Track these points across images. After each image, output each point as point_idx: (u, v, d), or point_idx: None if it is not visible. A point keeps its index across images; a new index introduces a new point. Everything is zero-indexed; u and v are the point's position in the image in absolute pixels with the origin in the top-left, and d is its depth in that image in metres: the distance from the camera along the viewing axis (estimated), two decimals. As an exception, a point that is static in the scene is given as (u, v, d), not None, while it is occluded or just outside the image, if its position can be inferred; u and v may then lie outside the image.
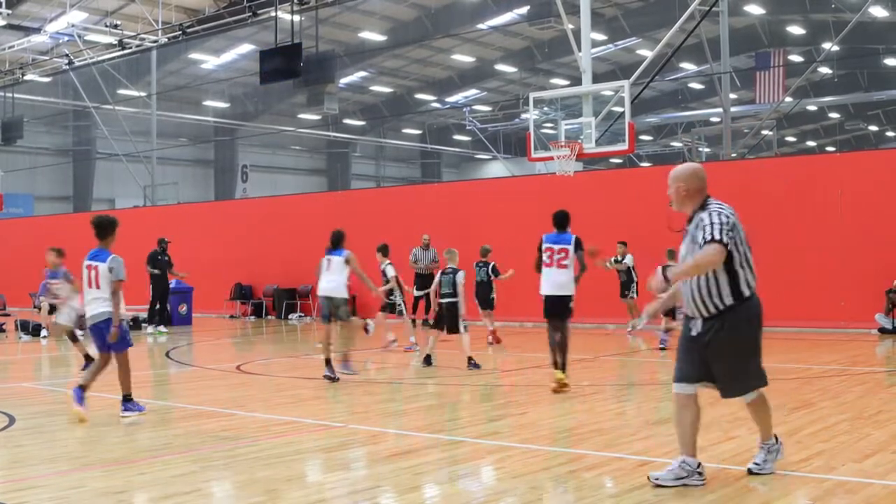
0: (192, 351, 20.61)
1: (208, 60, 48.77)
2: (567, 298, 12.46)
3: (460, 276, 15.23)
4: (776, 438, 7.49)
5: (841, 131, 59.70)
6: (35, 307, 25.16)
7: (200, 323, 27.60)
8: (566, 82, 46.32)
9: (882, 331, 20.57)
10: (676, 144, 58.58)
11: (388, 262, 18.71)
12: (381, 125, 60.61)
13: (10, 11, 36.00)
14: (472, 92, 56.92)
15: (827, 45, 37.68)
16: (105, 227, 10.75)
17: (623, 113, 21.36)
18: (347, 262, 14.20)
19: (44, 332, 23.42)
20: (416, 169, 67.93)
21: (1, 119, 38.76)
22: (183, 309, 27.24)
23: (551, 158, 22.33)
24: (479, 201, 26.74)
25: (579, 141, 21.62)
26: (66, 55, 40.21)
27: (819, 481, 7.31)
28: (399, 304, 19.07)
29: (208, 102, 52.91)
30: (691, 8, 23.03)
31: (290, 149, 60.30)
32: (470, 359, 14.82)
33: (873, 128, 60.11)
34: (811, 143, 64.35)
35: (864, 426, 9.52)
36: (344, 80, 48.92)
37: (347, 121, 57.34)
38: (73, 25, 38.59)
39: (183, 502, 7.04)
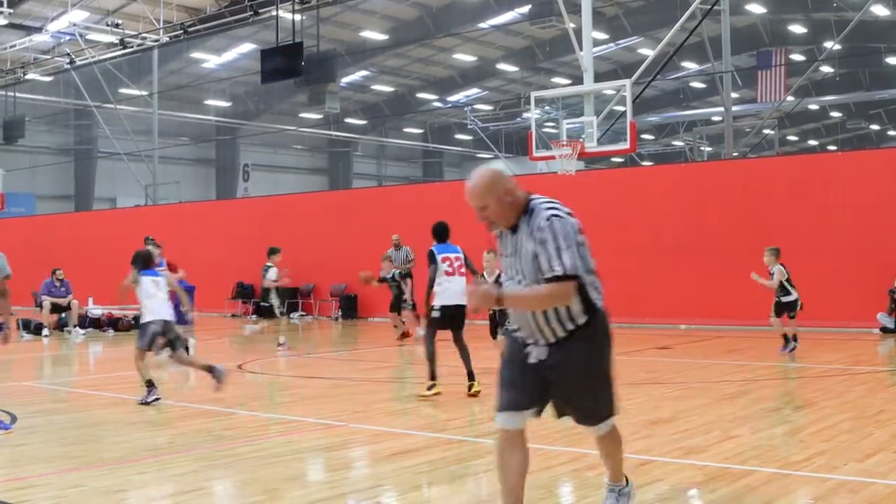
0: (192, 350, 20.59)
1: (209, 59, 48.77)
2: (465, 307, 12.34)
3: None
4: (627, 480, 6.15)
5: (843, 130, 59.64)
6: (37, 306, 25.20)
7: (202, 322, 27.60)
8: (568, 81, 46.30)
9: (884, 330, 20.56)
10: (678, 143, 58.59)
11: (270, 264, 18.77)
12: (383, 124, 60.61)
13: (11, 10, 36.02)
14: (473, 91, 56.91)
15: (829, 44, 37.64)
16: None
17: (624, 112, 21.35)
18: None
19: (45, 331, 23.44)
20: (418, 168, 67.96)
21: (3, 118, 38.77)
22: (185, 308, 27.20)
23: (553, 157, 22.32)
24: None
25: (581, 140, 21.61)
26: (68, 54, 40.22)
27: (821, 481, 7.30)
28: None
29: (210, 101, 52.93)
30: (693, 7, 23.01)
31: (292, 148, 60.31)
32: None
33: (875, 127, 60.07)
34: (813, 143, 64.30)
35: (866, 425, 9.51)
36: (345, 80, 48.89)
37: (349, 120, 57.35)
38: (74, 24, 38.60)
39: (183, 501, 7.04)
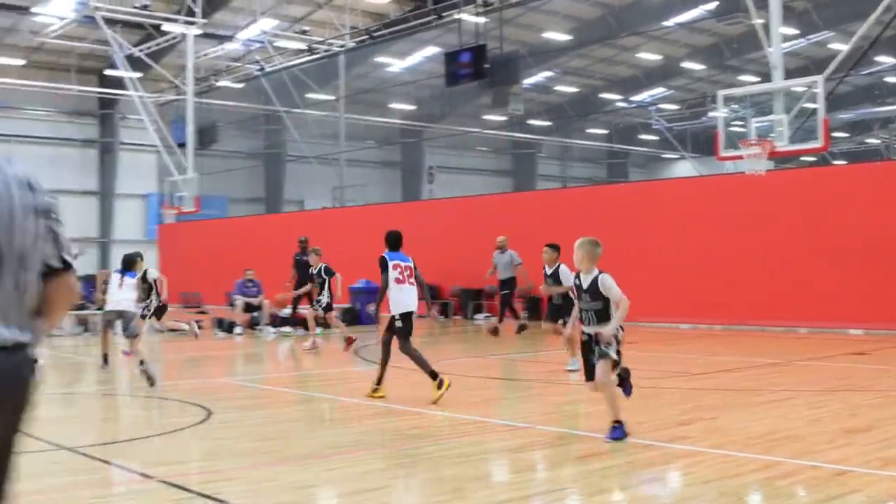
0: (378, 350, 20.83)
1: (394, 63, 49.45)
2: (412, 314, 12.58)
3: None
4: None
5: None
6: (230, 305, 26.00)
7: (385, 322, 27.90)
8: (756, 79, 45.17)
9: None
10: (872, 141, 56.55)
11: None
12: (567, 125, 60.34)
13: (205, 21, 37.33)
14: (658, 90, 56.19)
15: None
16: None
17: (815, 109, 20.72)
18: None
19: (238, 329, 24.15)
20: (602, 169, 67.38)
21: (198, 124, 40.12)
22: (371, 308, 27.58)
23: (741, 157, 21.82)
24: (667, 201, 26.30)
25: (770, 139, 21.07)
26: (258, 61, 41.44)
27: None
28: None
29: (395, 105, 53.67)
30: (889, -1, 22.16)
31: (476, 150, 60.62)
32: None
33: None
34: None
35: None
36: (528, 81, 48.84)
37: (532, 121, 57.32)
38: (264, 32, 39.76)
39: (370, 498, 7.13)
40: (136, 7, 35.32)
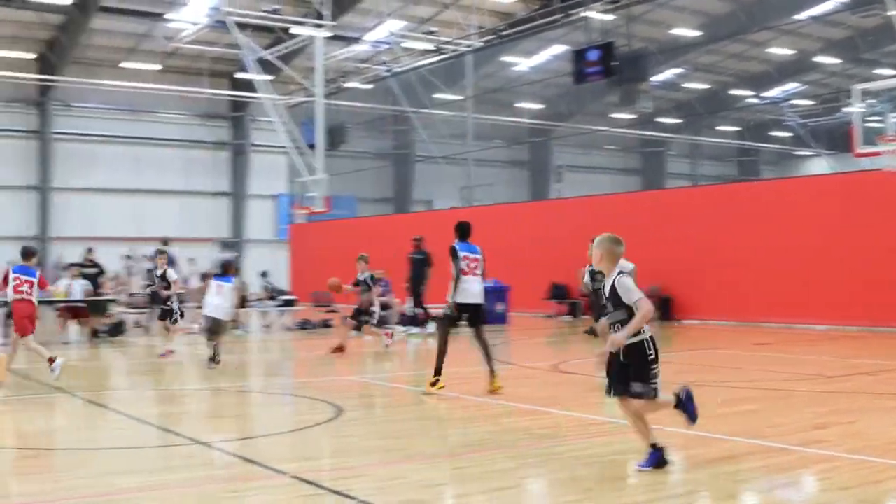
0: (508, 349, 20.86)
1: (521, 62, 49.41)
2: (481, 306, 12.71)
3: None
4: None
5: None
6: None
7: (517, 322, 27.91)
8: (893, 72, 44.00)
9: None
10: None
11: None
12: (696, 122, 59.53)
13: (334, 23, 37.81)
14: (791, 86, 55.06)
15: None
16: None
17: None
18: None
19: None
20: (733, 167, 66.22)
21: (327, 125, 40.64)
22: (500, 308, 27.63)
23: (879, 153, 21.25)
24: (801, 199, 25.71)
25: (910, 134, 20.49)
26: (385, 62, 41.79)
27: None
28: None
29: (522, 104, 53.61)
30: None
31: (604, 148, 60.21)
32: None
33: None
34: None
35: None
36: (657, 78, 48.33)
37: (661, 119, 56.70)
38: (391, 34, 40.07)
39: (500, 497, 7.12)
40: (266, 11, 35.98)
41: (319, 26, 37.79)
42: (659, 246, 27.28)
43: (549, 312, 30.99)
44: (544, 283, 31.00)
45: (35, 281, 14.22)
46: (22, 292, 14.03)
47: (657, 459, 7.74)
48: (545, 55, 47.92)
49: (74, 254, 28.48)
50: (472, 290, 12.59)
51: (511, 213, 36.18)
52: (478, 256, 12.74)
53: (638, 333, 7.60)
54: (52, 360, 13.62)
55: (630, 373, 7.70)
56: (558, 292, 30.84)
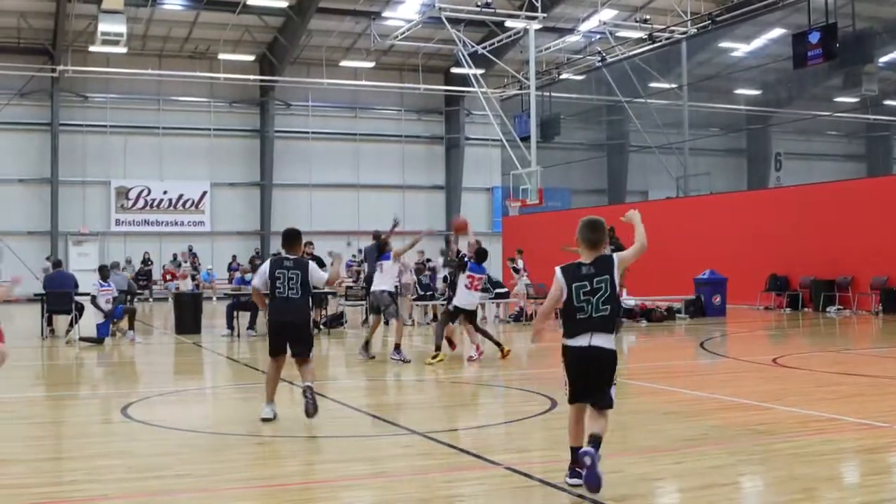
0: (725, 342, 20.42)
1: (738, 48, 48.22)
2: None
3: None
4: None
5: None
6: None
7: (734, 314, 27.29)
8: None
9: None
10: None
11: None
12: (927, 105, 56.87)
13: (546, 15, 37.80)
14: None
15: None
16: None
17: None
18: None
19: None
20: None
21: (540, 117, 40.65)
22: (717, 300, 27.09)
23: None
24: None
25: None
26: (598, 52, 41.49)
27: None
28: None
29: (739, 90, 52.33)
30: None
31: (826, 134, 58.13)
32: None
33: None
34: None
35: None
36: (883, 59, 46.34)
37: (889, 102, 54.38)
38: (604, 23, 39.75)
39: (717, 494, 6.96)
40: (478, 6, 36.23)
41: (532, 18, 37.84)
42: (884, 235, 26.20)
43: (767, 304, 30.13)
44: (763, 274, 30.18)
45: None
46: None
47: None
48: (763, 39, 46.59)
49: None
50: (473, 301, 16.34)
51: (728, 202, 35.38)
52: (482, 276, 16.52)
53: None
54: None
55: None
56: (777, 284, 29.96)
